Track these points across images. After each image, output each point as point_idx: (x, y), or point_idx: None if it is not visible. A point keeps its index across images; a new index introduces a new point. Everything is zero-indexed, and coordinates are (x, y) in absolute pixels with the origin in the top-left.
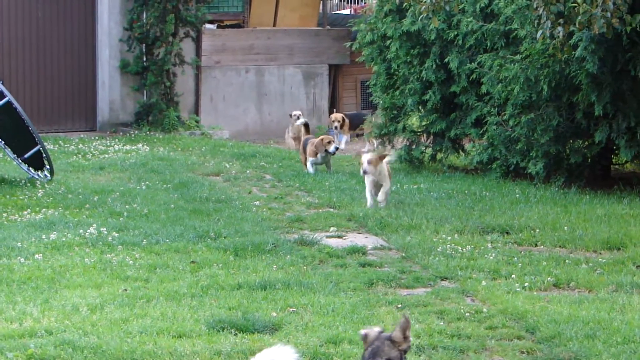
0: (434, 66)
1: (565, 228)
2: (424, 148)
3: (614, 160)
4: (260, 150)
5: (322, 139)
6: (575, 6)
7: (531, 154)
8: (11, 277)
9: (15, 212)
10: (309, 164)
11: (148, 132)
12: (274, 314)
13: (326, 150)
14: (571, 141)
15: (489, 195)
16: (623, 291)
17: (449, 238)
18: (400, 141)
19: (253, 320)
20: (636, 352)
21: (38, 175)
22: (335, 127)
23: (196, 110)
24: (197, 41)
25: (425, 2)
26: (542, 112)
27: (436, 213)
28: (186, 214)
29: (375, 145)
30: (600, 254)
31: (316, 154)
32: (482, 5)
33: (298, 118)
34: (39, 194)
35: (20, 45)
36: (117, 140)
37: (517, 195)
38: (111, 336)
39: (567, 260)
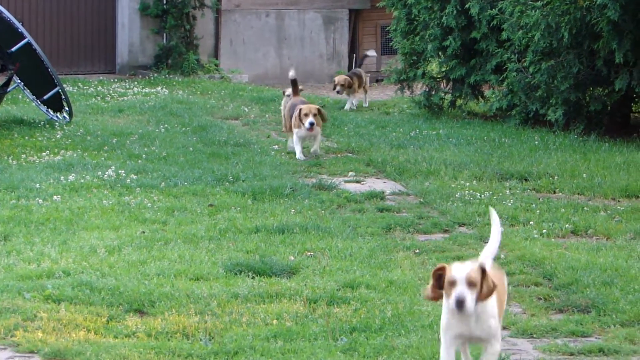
0: (455, 12)
1: (584, 175)
2: (443, 94)
3: (633, 108)
4: (279, 94)
5: (300, 110)
6: None
7: (551, 101)
8: (29, 218)
9: (34, 154)
10: (294, 137)
11: (167, 75)
12: (292, 258)
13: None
14: (591, 89)
15: (507, 142)
16: None
17: (467, 184)
18: (419, 87)
19: (270, 264)
20: None
21: (57, 116)
22: (338, 92)
23: (215, 53)
24: None
25: None
26: (562, 59)
27: (455, 159)
28: (205, 157)
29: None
30: (618, 201)
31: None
32: None
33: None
34: (58, 136)
35: None
36: (136, 82)
37: (536, 142)
38: (129, 278)
39: (585, 208)
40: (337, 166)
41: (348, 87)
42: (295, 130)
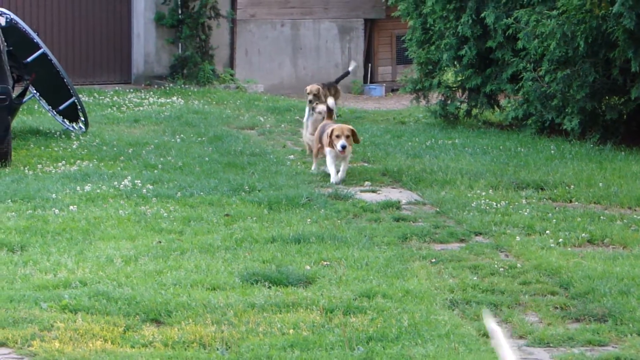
0: (470, 21)
1: (600, 184)
2: (459, 103)
3: None
4: (295, 104)
5: (333, 131)
6: None
7: (567, 110)
8: (46, 228)
9: (50, 164)
10: (328, 158)
11: (183, 85)
12: (308, 268)
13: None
14: (607, 97)
15: (523, 151)
16: None
17: (484, 193)
18: (435, 96)
19: (287, 274)
20: None
21: (73, 127)
22: (310, 101)
23: (231, 63)
24: None
25: None
26: (578, 68)
27: (471, 168)
28: (220, 167)
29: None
30: (635, 210)
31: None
32: None
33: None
34: (74, 146)
35: None
36: (151, 93)
37: (552, 152)
38: (145, 288)
39: (601, 217)
40: (353, 176)
41: (318, 97)
42: (328, 150)
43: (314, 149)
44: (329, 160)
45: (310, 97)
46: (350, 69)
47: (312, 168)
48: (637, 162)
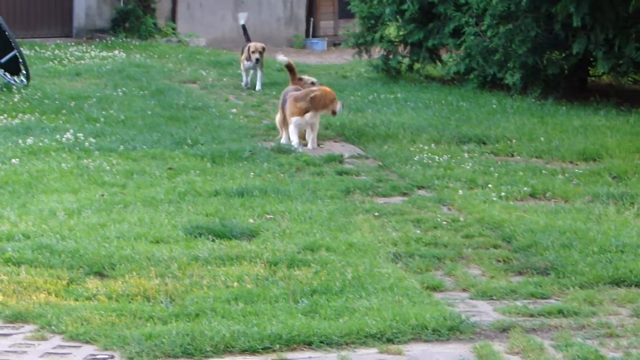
0: None
1: (542, 139)
2: (401, 58)
3: (590, 72)
4: (237, 58)
5: (325, 93)
6: None
7: (508, 65)
8: None
9: None
10: (292, 128)
11: (124, 39)
12: (252, 221)
13: (333, 111)
14: (549, 52)
15: (465, 106)
16: (599, 201)
17: (426, 147)
18: (377, 51)
19: (230, 227)
20: (611, 262)
21: (14, 80)
22: (257, 60)
23: (173, 17)
24: None
25: None
26: (520, 22)
27: (413, 123)
28: (163, 120)
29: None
30: (576, 164)
31: (305, 112)
32: None
33: (257, 57)
34: (15, 99)
35: None
36: (93, 46)
37: (494, 106)
38: (89, 241)
39: (543, 171)
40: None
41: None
42: (294, 119)
43: (279, 118)
44: (292, 128)
45: (257, 55)
46: (241, 22)
47: (282, 139)
48: (578, 117)
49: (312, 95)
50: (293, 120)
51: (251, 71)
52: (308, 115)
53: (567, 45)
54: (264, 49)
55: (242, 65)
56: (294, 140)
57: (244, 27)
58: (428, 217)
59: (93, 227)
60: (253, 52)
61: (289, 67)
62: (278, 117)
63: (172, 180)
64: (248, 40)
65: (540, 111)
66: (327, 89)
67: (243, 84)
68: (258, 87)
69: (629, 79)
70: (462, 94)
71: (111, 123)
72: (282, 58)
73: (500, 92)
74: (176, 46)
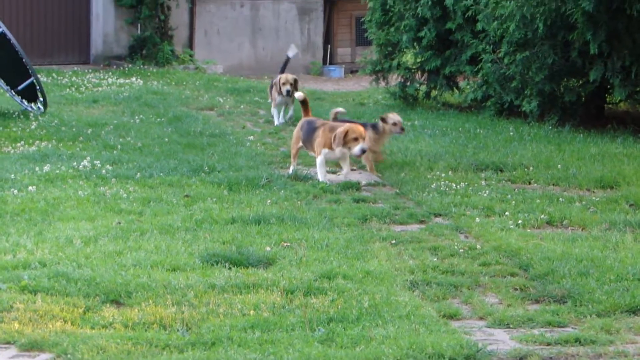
0: (430, 3)
1: (559, 166)
2: (418, 85)
3: (607, 100)
4: (254, 85)
5: (346, 131)
6: None
7: (525, 92)
8: (4, 209)
9: (8, 144)
10: (320, 159)
11: (142, 66)
12: (268, 249)
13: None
14: (566, 80)
15: (482, 133)
16: (616, 229)
17: (443, 175)
18: (394, 78)
19: (247, 255)
20: (629, 290)
21: (31, 107)
22: (288, 92)
23: (190, 44)
24: None
25: None
26: (537, 50)
27: (430, 150)
28: (180, 148)
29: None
30: (593, 192)
31: (331, 145)
32: None
33: (288, 90)
34: (33, 126)
35: None
36: (110, 73)
37: (511, 133)
38: (105, 269)
39: (560, 199)
40: (313, 157)
41: (295, 87)
42: (324, 152)
43: (293, 150)
44: (320, 161)
45: (288, 87)
46: (290, 54)
47: (321, 178)
48: (595, 144)
49: (336, 131)
50: (323, 152)
51: (283, 107)
52: (338, 150)
53: (584, 73)
54: (295, 81)
55: (272, 101)
56: (322, 174)
57: (288, 59)
58: (445, 244)
59: (109, 255)
60: (284, 83)
61: (304, 102)
62: (293, 147)
63: (188, 208)
64: (282, 72)
65: (557, 138)
66: (353, 127)
67: (276, 122)
68: (281, 119)
69: None
70: (479, 121)
71: (128, 150)
72: (298, 94)
73: (518, 120)
74: (193, 73)
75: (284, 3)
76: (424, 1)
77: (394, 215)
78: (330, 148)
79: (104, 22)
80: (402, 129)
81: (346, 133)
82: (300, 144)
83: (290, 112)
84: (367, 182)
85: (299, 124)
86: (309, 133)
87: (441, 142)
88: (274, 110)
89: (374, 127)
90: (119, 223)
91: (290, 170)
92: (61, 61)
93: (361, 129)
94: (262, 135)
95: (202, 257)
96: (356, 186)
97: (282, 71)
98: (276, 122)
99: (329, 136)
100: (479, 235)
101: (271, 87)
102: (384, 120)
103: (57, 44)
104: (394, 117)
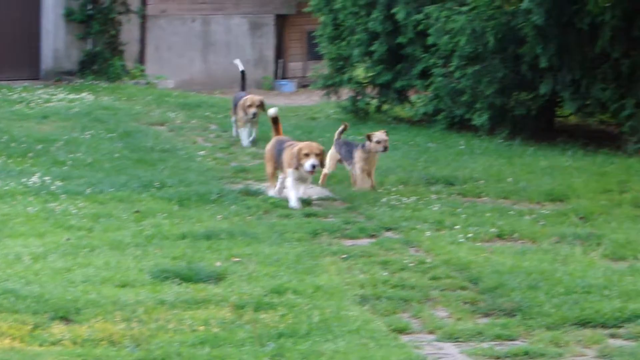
0: (381, 17)
1: (509, 180)
2: (369, 99)
3: (558, 113)
4: (206, 100)
5: (300, 148)
6: None
7: (476, 106)
8: None
9: None
10: (290, 180)
11: (92, 81)
12: (219, 264)
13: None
14: (516, 93)
15: (433, 147)
16: (566, 242)
17: (394, 189)
18: (345, 92)
19: (197, 270)
20: (577, 303)
21: None
22: (254, 115)
23: (141, 59)
24: None
25: None
26: (487, 64)
27: (381, 164)
28: (130, 163)
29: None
30: (543, 205)
31: (297, 166)
32: None
33: (254, 112)
34: None
35: None
36: (61, 89)
37: (462, 147)
38: (54, 285)
39: (510, 212)
40: (264, 172)
41: (262, 108)
42: (289, 171)
43: (268, 169)
44: (291, 183)
45: (254, 109)
46: (241, 67)
47: (270, 192)
48: (545, 158)
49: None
50: (289, 173)
51: (249, 127)
52: (302, 168)
53: (534, 86)
54: (262, 102)
55: (237, 121)
56: (293, 199)
57: (243, 73)
58: (395, 259)
59: (59, 272)
60: (249, 106)
61: (275, 119)
62: (268, 166)
63: (139, 224)
64: (243, 88)
65: (507, 152)
66: (307, 143)
67: (245, 143)
68: (248, 143)
69: (596, 119)
70: (430, 135)
71: (78, 166)
72: (271, 111)
73: (468, 133)
74: (144, 88)
75: (236, 18)
76: (375, 15)
77: (344, 230)
78: (296, 168)
79: (55, 38)
80: (386, 148)
81: (299, 150)
82: (275, 163)
83: (254, 134)
84: (318, 196)
85: (272, 143)
86: (280, 153)
87: (392, 156)
88: (241, 131)
89: (363, 146)
90: (69, 239)
91: (271, 192)
92: (11, 77)
93: (315, 145)
94: (213, 150)
95: (152, 272)
96: (307, 201)
97: (243, 88)
98: (245, 143)
99: (291, 156)
100: (429, 249)
101: (235, 106)
102: (369, 138)
103: (7, 60)
104: (378, 135)
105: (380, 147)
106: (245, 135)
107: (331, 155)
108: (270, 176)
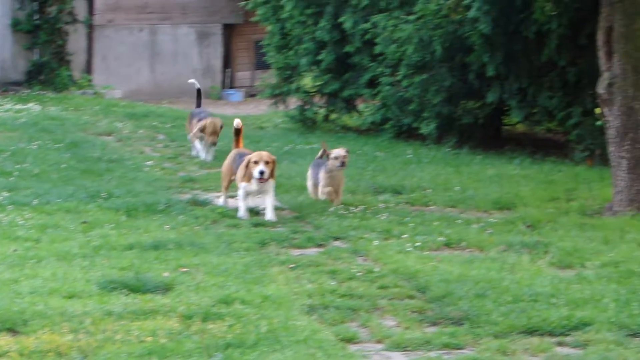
0: (329, 26)
1: (457, 188)
2: (317, 108)
3: (505, 121)
4: (153, 110)
5: (249, 159)
6: None
7: (424, 115)
8: None
9: None
10: (240, 193)
11: (39, 92)
12: (166, 274)
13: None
14: (463, 102)
15: (381, 156)
16: (513, 251)
17: (342, 198)
18: (293, 101)
19: (145, 281)
20: (525, 311)
21: None
22: (214, 144)
23: (88, 69)
24: None
25: None
26: (435, 72)
27: None
28: (78, 173)
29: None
30: (491, 214)
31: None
32: None
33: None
34: None
35: None
36: (7, 99)
37: (410, 156)
38: (1, 297)
39: (458, 220)
40: (211, 182)
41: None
42: (242, 185)
43: (224, 182)
44: (241, 194)
45: (215, 138)
46: (197, 85)
47: (240, 213)
48: (492, 166)
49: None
50: (241, 186)
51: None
52: (253, 180)
53: (481, 95)
54: (221, 127)
55: (192, 136)
56: (242, 209)
57: (199, 90)
58: (343, 268)
59: (5, 283)
60: (212, 133)
61: (238, 131)
62: (225, 178)
63: (86, 234)
64: (199, 105)
65: (455, 160)
66: (257, 153)
67: (203, 156)
68: (208, 158)
69: (543, 127)
70: (378, 144)
71: (25, 177)
72: (236, 122)
73: (416, 142)
74: (92, 98)
75: (183, 27)
76: (323, 25)
77: (292, 240)
78: (248, 181)
79: (1, 48)
80: (343, 164)
81: (249, 160)
82: (233, 176)
83: (212, 151)
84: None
85: (231, 155)
86: (239, 166)
87: None
88: (198, 146)
89: (326, 165)
90: (16, 250)
91: (221, 202)
92: None
93: (265, 154)
94: (161, 160)
95: (100, 283)
96: (255, 210)
97: (199, 104)
98: (202, 156)
99: (242, 168)
100: (377, 258)
101: (190, 122)
102: (327, 156)
103: None
104: (336, 152)
105: (337, 163)
106: (202, 150)
107: (309, 177)
108: (224, 189)
